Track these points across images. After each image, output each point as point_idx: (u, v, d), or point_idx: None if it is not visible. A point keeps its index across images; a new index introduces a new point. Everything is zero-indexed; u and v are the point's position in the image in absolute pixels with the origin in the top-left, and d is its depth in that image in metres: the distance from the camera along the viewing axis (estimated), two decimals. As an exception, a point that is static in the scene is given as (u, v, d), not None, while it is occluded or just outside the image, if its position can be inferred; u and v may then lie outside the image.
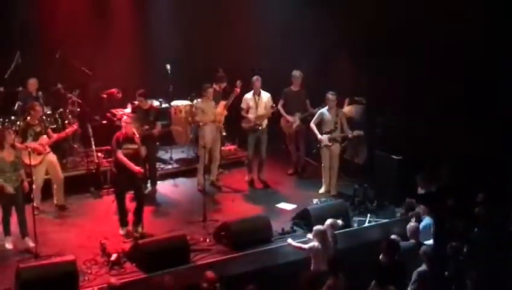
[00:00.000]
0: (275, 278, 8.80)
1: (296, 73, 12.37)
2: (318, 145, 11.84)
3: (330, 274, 7.97)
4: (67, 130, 11.16)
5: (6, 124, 11.66)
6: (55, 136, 10.82)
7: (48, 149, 10.66)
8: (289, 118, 12.42)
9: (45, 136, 10.62)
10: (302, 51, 13.04)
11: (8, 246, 9.60)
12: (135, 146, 10.06)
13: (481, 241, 8.34)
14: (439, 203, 9.03)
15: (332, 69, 12.89)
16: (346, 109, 12.68)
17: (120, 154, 9.97)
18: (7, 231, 9.66)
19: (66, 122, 11.84)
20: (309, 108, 12.28)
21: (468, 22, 10.18)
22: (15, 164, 9.51)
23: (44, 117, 11.14)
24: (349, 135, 11.72)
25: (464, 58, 10.46)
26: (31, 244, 9.47)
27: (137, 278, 8.95)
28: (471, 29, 10.20)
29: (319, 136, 11.65)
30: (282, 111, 12.44)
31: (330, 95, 11.57)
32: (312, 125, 11.77)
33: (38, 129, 10.54)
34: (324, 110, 11.70)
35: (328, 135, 11.59)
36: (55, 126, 11.42)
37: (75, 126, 11.33)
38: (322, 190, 11.86)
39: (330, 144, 11.62)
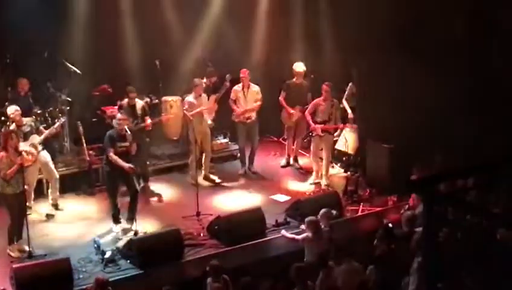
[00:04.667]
0: (269, 271, 8.80)
1: (298, 65, 12.37)
2: (310, 134, 11.85)
3: (322, 267, 7.97)
4: (56, 126, 11.05)
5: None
6: (46, 132, 10.76)
7: (40, 147, 10.62)
8: (290, 110, 12.41)
9: (36, 135, 10.59)
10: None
11: (14, 254, 9.42)
12: (127, 143, 10.09)
13: (472, 228, 8.33)
14: (430, 190, 8.97)
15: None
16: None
17: (111, 152, 9.99)
18: (13, 239, 9.52)
19: (56, 120, 11.79)
20: (309, 101, 12.17)
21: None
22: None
23: (34, 117, 11.09)
24: (340, 126, 11.77)
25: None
26: (26, 246, 9.42)
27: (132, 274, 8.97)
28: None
29: (313, 125, 11.67)
30: (283, 103, 12.41)
31: (325, 86, 11.58)
32: (307, 114, 11.79)
33: (27, 129, 10.47)
34: (319, 100, 11.71)
35: (321, 125, 11.61)
36: (45, 125, 11.36)
37: (63, 119, 11.31)
38: (311, 180, 11.89)
39: (322, 134, 11.63)
